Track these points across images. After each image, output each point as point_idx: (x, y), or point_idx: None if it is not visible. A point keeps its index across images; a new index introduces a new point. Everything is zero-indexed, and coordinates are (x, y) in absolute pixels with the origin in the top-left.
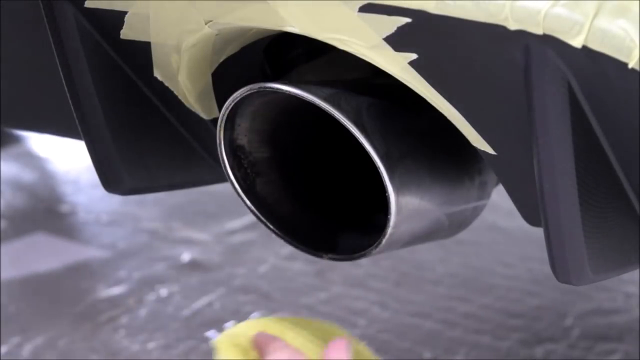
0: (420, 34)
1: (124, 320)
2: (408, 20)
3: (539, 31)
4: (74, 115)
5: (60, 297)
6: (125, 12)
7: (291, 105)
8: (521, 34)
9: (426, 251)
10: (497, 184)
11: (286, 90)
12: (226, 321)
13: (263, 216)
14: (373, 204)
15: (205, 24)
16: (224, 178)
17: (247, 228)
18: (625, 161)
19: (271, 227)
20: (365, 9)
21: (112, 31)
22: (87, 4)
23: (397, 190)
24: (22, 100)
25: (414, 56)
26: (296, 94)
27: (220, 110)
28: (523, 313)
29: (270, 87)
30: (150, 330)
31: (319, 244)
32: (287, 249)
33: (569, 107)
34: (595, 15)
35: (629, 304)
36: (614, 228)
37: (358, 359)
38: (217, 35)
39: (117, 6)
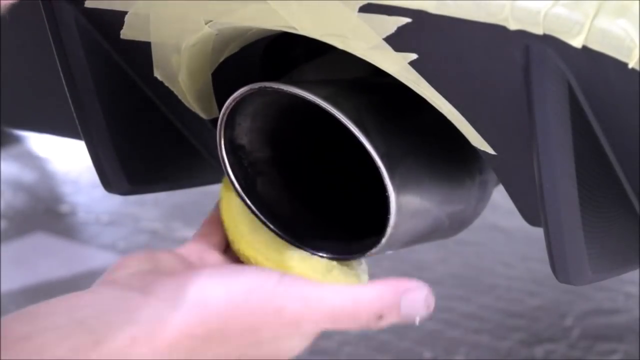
0: (421, 34)
1: None
2: (408, 20)
3: (539, 31)
4: (74, 115)
5: None
6: (126, 12)
7: (292, 105)
8: (521, 34)
9: (426, 251)
10: (497, 183)
11: (287, 90)
12: None
13: (263, 215)
14: (373, 204)
15: (205, 24)
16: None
17: None
18: (625, 161)
19: (271, 226)
20: (365, 9)
21: (112, 31)
22: (87, 4)
23: (398, 190)
24: (22, 100)
25: (414, 56)
26: (296, 93)
27: (220, 110)
28: (523, 313)
29: (271, 87)
30: None
31: (319, 243)
32: None
33: (569, 107)
34: (595, 15)
35: (629, 304)
36: (614, 228)
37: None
38: (217, 35)
39: (117, 6)
